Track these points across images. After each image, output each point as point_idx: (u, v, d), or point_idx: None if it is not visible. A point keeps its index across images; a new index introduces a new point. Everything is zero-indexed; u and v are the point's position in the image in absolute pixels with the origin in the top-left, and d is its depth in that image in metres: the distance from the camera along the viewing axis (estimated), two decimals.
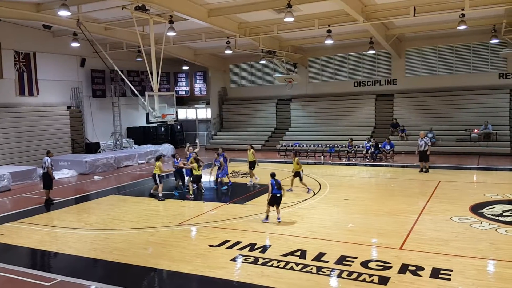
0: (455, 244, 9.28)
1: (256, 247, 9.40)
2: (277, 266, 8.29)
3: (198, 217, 12.36)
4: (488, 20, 21.36)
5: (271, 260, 8.61)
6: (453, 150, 23.33)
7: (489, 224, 10.59)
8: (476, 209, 12.03)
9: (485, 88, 24.93)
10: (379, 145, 22.77)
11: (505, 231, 10.09)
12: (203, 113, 34.17)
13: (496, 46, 23.69)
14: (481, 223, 10.67)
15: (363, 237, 9.97)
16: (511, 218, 11.13)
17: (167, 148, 26.78)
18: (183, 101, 33.65)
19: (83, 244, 10.18)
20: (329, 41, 21.24)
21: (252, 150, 17.07)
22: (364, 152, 23.11)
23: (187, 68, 32.21)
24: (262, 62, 28.16)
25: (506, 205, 12.39)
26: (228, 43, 23.01)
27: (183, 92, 33.42)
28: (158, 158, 15.26)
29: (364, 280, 7.53)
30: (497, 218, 11.15)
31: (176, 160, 15.50)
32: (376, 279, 7.56)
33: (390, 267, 8.04)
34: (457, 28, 18.84)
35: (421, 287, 7.23)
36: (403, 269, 7.94)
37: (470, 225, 10.58)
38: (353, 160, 23.04)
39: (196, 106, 34.37)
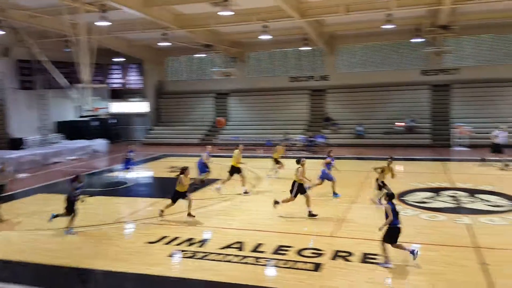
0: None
1: (194, 241, 9.41)
2: (216, 260, 8.37)
3: (135, 214, 12.10)
4: (412, 20, 22.79)
5: (210, 253, 8.67)
6: (380, 143, 24.73)
7: (413, 211, 11.39)
8: (401, 196, 12.88)
9: (409, 84, 26.66)
10: (313, 138, 23.61)
11: (427, 216, 10.91)
12: (140, 107, 33.20)
13: (419, 45, 25.34)
14: (405, 210, 11.44)
15: (298, 226, 10.33)
16: (432, 204, 12.09)
17: (100, 143, 25.79)
18: (118, 95, 32.49)
19: (8, 246, 9.59)
20: (265, 37, 21.54)
21: (282, 148, 17.24)
22: (299, 144, 23.79)
23: (121, 60, 31.13)
24: (200, 55, 27.93)
25: (428, 192, 13.41)
26: (165, 35, 22.56)
27: (117, 85, 32.27)
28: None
29: (299, 268, 7.84)
30: (419, 204, 12.03)
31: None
32: (310, 266, 7.90)
33: (323, 254, 8.43)
34: (384, 27, 19.93)
35: (352, 271, 7.66)
36: (335, 255, 8.37)
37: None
38: (289, 153, 23.62)
39: (131, 99, 33.34)
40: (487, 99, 25.32)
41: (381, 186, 11.88)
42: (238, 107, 30.24)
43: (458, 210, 11.50)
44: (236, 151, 14.42)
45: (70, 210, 10.20)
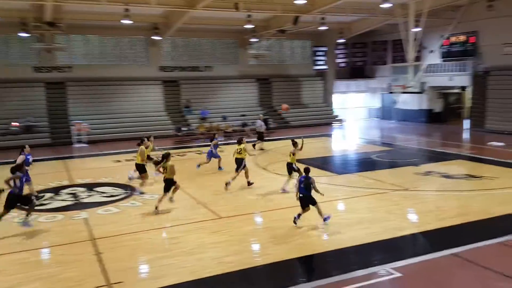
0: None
1: None
2: None
3: None
4: (17, 13, 21.31)
5: None
6: None
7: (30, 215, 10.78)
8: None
9: (22, 81, 24.99)
10: None
11: (45, 218, 10.61)
12: None
13: (29, 40, 24.04)
14: (19, 217, 10.66)
15: None
16: (51, 205, 11.87)
17: None
18: None
19: None
20: None
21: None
22: None
23: None
24: None
25: (47, 193, 13.06)
26: None
27: None
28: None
29: None
30: (38, 208, 11.47)
31: None
32: None
33: None
34: None
35: None
36: None
37: (13, 221, 10.36)
38: None
39: None
40: (100, 96, 27.01)
41: (295, 170, 12.28)
42: None
43: (77, 206, 11.78)
44: (142, 146, 13.06)
45: None
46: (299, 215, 9.46)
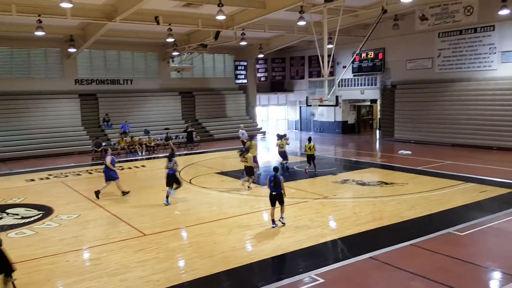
0: None
1: None
2: None
3: None
4: None
5: None
6: None
7: None
8: None
9: None
10: None
11: None
12: None
13: None
14: None
15: None
16: None
17: None
18: None
19: None
20: None
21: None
22: None
23: None
24: None
25: None
26: None
27: None
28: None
29: None
30: None
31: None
32: None
33: None
34: None
35: None
36: None
37: None
38: None
39: None
40: (10, 111, 25.09)
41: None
42: None
43: None
44: (253, 142, 16.71)
45: None
46: (273, 220, 10.39)
